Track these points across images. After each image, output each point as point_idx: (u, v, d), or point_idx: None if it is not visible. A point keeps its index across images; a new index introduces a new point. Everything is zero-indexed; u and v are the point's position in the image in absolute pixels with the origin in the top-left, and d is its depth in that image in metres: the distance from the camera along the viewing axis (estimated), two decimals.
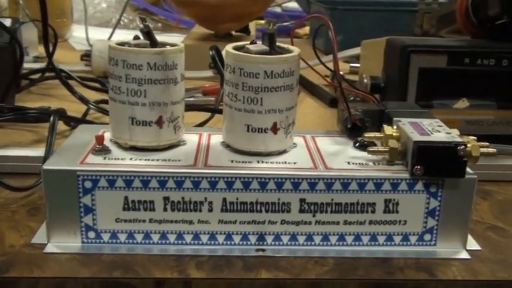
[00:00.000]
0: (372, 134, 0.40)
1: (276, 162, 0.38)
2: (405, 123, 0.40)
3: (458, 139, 0.37)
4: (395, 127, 0.40)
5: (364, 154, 0.39)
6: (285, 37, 0.41)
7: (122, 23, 1.16)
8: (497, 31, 0.56)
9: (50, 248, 0.36)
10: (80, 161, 0.36)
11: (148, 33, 0.38)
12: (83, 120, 0.54)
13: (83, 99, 0.58)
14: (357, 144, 0.41)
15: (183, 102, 0.40)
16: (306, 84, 0.76)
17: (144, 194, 0.36)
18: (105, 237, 0.37)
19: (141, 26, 0.38)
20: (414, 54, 0.52)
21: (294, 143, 0.41)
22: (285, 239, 0.37)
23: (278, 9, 1.39)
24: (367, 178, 0.36)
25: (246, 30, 0.94)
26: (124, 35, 0.43)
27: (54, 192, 0.36)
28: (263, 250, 0.37)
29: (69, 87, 0.59)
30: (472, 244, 0.39)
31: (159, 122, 0.38)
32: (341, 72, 0.77)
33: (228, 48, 0.38)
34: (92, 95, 0.64)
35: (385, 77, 0.57)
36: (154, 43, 0.38)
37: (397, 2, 1.10)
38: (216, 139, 0.41)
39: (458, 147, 0.36)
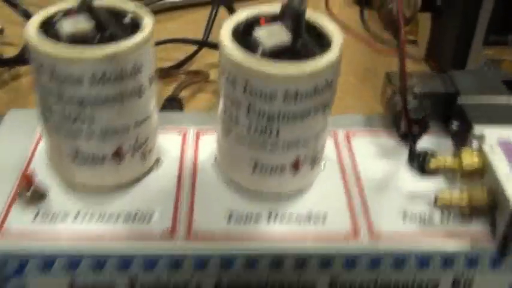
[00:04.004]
0: (441, 162, 0.26)
1: (296, 218, 0.25)
2: (493, 144, 0.26)
3: None
4: (475, 148, 0.26)
5: (424, 186, 0.27)
6: None
7: None
8: None
9: None
10: None
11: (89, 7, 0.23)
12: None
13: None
14: (415, 164, 0.28)
15: (154, 115, 0.26)
16: None
17: (99, 277, 0.24)
18: None
19: None
20: None
21: None
22: None
23: None
24: (433, 253, 0.24)
25: None
26: None
27: None
28: None
29: None
30: None
31: (118, 155, 0.25)
32: None
33: (225, 42, 0.23)
34: None
35: None
36: (101, 27, 0.23)
37: None
38: (206, 152, 0.28)
39: None
